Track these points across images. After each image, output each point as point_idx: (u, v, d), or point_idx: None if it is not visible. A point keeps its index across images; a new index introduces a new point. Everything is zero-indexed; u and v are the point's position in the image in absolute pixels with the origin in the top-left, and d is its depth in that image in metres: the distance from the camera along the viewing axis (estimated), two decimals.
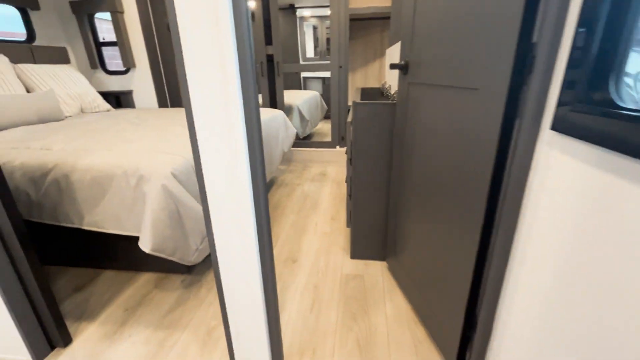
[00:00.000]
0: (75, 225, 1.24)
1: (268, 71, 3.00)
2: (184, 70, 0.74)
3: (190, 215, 1.21)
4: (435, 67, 0.98)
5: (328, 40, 4.94)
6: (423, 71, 1.06)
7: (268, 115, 2.35)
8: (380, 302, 1.35)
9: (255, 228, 0.92)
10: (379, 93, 2.16)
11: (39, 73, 2.41)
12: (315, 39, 5.10)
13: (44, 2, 2.61)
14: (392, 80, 1.97)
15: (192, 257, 1.24)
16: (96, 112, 2.66)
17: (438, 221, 1.03)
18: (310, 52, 5.10)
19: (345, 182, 1.90)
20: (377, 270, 1.56)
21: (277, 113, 2.55)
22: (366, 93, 2.08)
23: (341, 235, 1.88)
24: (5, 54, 2.30)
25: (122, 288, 1.45)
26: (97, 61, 2.95)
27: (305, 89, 5.19)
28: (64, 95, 2.47)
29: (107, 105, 2.78)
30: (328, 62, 2.88)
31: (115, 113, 2.54)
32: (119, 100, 3.04)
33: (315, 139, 3.97)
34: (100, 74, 3.00)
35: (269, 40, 2.92)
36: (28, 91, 2.32)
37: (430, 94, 1.02)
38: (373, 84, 3.50)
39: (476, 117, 0.80)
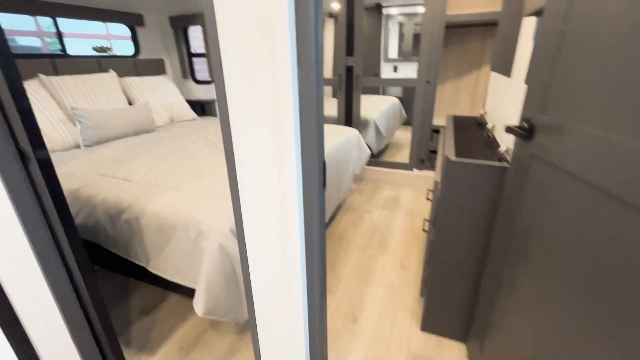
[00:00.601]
0: (143, 264, 1.27)
1: (346, 84, 2.80)
2: (224, 88, 0.60)
3: None
4: (591, 149, 0.66)
5: (415, 35, 4.50)
6: (567, 148, 0.73)
7: (341, 137, 2.17)
8: None
9: (306, 311, 0.76)
10: (475, 124, 1.79)
11: (139, 85, 2.65)
12: (400, 36, 4.69)
13: (148, 18, 2.85)
14: (496, 112, 1.58)
15: (246, 316, 1.16)
16: (183, 121, 2.85)
17: (579, 322, 0.72)
18: (393, 52, 4.72)
19: (423, 230, 1.63)
20: (453, 356, 1.28)
21: (352, 133, 2.35)
22: (459, 124, 1.73)
23: (410, 293, 1.62)
24: (115, 69, 2.58)
25: (183, 319, 1.47)
26: (189, 71, 3.15)
27: (384, 93, 4.86)
28: (158, 106, 2.68)
29: (193, 114, 2.96)
30: (414, 76, 2.54)
31: (198, 124, 2.66)
32: (203, 107, 3.22)
33: (390, 150, 3.66)
34: (190, 83, 3.20)
35: (349, 51, 2.71)
36: (130, 103, 2.58)
37: (574, 190, 0.70)
38: (464, 100, 3.00)
39: None
